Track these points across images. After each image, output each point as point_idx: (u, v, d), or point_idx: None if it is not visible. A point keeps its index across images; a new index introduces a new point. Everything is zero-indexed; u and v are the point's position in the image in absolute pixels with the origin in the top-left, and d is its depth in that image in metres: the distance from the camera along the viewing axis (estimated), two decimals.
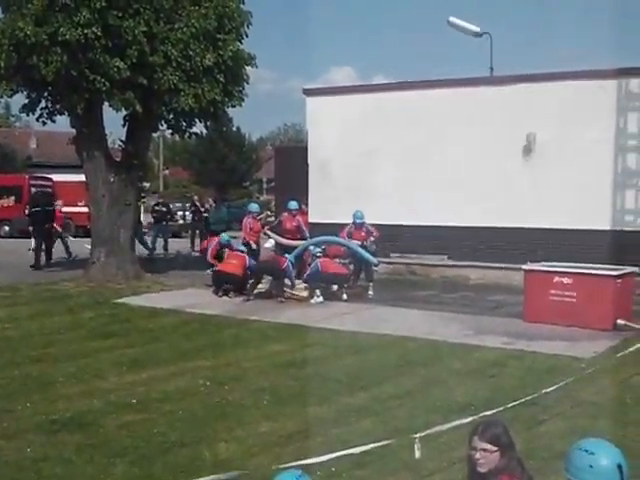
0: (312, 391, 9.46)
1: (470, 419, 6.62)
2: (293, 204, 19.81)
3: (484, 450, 4.01)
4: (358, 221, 18.26)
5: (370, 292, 17.80)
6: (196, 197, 33.61)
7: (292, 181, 23.13)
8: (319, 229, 20.38)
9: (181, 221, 39.43)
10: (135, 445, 7.38)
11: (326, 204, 21.64)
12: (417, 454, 6.34)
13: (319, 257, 17.34)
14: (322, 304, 16.55)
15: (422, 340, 12.65)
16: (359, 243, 18.00)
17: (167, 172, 72.46)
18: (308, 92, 23.47)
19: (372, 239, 18.23)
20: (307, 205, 22.38)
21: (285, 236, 19.69)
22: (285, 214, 20.17)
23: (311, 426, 8.06)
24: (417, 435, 6.44)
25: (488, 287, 18.75)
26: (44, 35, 17.13)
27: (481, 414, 7.19)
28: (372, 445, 6.67)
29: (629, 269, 14.89)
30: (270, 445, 7.42)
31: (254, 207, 20.50)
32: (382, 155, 21.14)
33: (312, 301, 16.75)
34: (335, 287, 17.32)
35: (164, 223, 28.50)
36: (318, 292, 16.92)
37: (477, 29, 26.88)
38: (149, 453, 7.17)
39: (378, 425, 8.07)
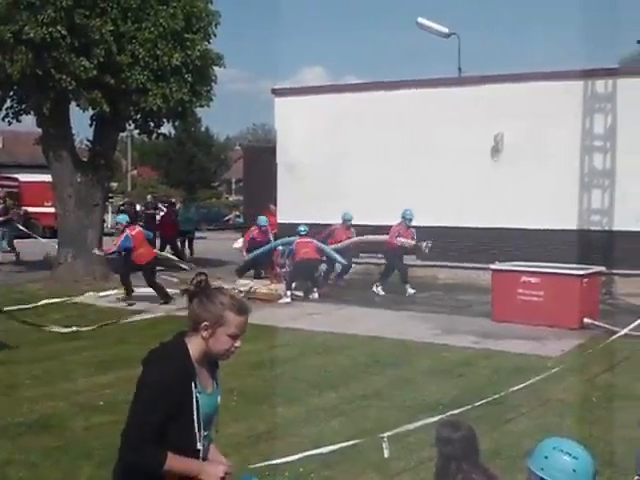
0: (281, 391, 9.44)
1: (438, 418, 6.65)
2: (348, 215, 19.23)
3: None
4: (408, 217, 18.17)
5: (410, 290, 18.00)
6: (149, 197, 33.18)
7: (261, 181, 23.08)
8: (288, 229, 20.36)
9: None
10: (102, 447, 7.28)
11: (295, 204, 21.61)
12: (386, 453, 6.36)
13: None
14: (290, 304, 16.57)
15: (391, 340, 12.69)
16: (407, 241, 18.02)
17: (135, 172, 71.99)
18: (277, 92, 23.43)
19: (410, 242, 18.06)
20: (275, 205, 22.36)
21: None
22: (338, 225, 19.36)
23: (280, 426, 8.04)
24: (385, 434, 6.45)
25: (457, 287, 18.84)
26: (9, 33, 16.98)
27: (449, 413, 7.23)
28: (340, 445, 6.68)
29: (596, 268, 15.06)
30: (239, 446, 7.37)
31: (263, 220, 20.07)
32: (351, 155, 21.14)
33: (280, 301, 16.74)
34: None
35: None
36: (288, 293, 16.98)
37: (445, 30, 26.99)
38: (116, 455, 7.07)
39: (347, 425, 8.07)
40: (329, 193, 20.76)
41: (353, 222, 19.11)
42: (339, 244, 18.77)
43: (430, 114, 20.20)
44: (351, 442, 6.78)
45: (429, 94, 20.52)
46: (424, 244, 17.77)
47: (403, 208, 18.38)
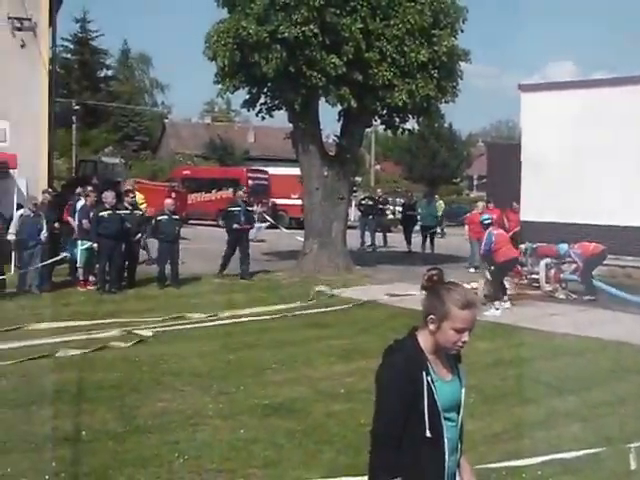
0: (519, 392, 9.30)
1: None
2: None
3: None
4: None
5: None
6: (379, 191, 33.41)
7: (504, 178, 22.76)
8: (532, 227, 19.96)
9: (391, 216, 39.64)
10: (342, 434, 7.52)
11: (539, 202, 21.11)
12: (632, 465, 6.09)
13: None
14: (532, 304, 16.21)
15: (638, 346, 12.09)
16: None
17: (378, 167, 73.11)
18: (524, 88, 23.00)
19: None
20: (519, 203, 21.97)
21: None
22: None
23: (518, 427, 7.93)
24: (632, 445, 6.19)
25: None
26: (265, 33, 17.76)
27: None
28: (583, 452, 6.49)
29: None
30: (476, 444, 7.34)
31: (563, 247, 17.82)
32: (599, 153, 20.35)
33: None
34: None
35: (370, 217, 28.70)
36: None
37: None
38: (356, 443, 7.21)
39: (588, 431, 7.80)
40: (574, 191, 20.10)
41: (600, 222, 18.13)
42: None
43: None
44: (594, 450, 6.56)
45: None
46: None
47: None
